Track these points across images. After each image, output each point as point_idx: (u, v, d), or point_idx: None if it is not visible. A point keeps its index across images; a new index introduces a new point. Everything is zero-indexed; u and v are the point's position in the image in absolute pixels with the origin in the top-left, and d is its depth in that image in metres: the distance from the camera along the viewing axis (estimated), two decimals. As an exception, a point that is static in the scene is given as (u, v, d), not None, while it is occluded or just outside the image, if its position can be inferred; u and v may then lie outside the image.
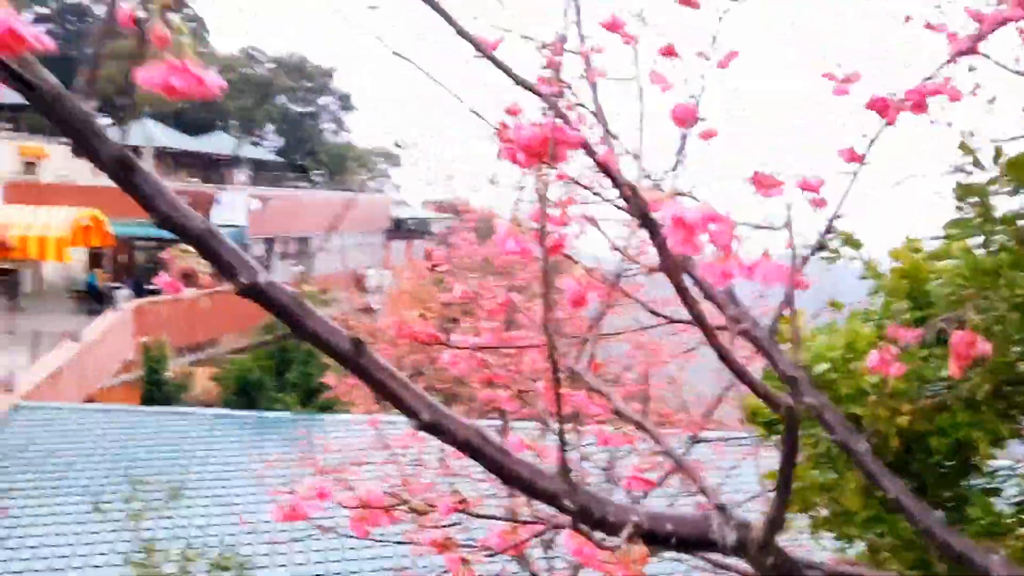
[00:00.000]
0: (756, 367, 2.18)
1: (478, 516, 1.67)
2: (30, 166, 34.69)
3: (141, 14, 0.69)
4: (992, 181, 2.19)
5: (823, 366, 2.29)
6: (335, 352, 0.86)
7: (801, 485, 2.39)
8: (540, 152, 1.26)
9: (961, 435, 2.16)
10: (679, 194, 1.93)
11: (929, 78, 1.71)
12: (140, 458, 12.97)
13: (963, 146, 2.20)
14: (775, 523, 1.20)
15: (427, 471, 6.76)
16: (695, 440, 5.20)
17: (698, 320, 0.86)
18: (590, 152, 2.00)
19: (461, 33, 2.06)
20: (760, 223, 0.81)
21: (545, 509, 1.49)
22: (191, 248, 0.85)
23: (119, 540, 9.76)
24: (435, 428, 0.86)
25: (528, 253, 1.24)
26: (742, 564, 1.98)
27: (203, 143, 40.90)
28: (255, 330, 23.48)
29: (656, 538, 1.11)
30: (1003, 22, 1.75)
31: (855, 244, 2.70)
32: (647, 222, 0.80)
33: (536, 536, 2.24)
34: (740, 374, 0.88)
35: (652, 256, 1.46)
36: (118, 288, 26.38)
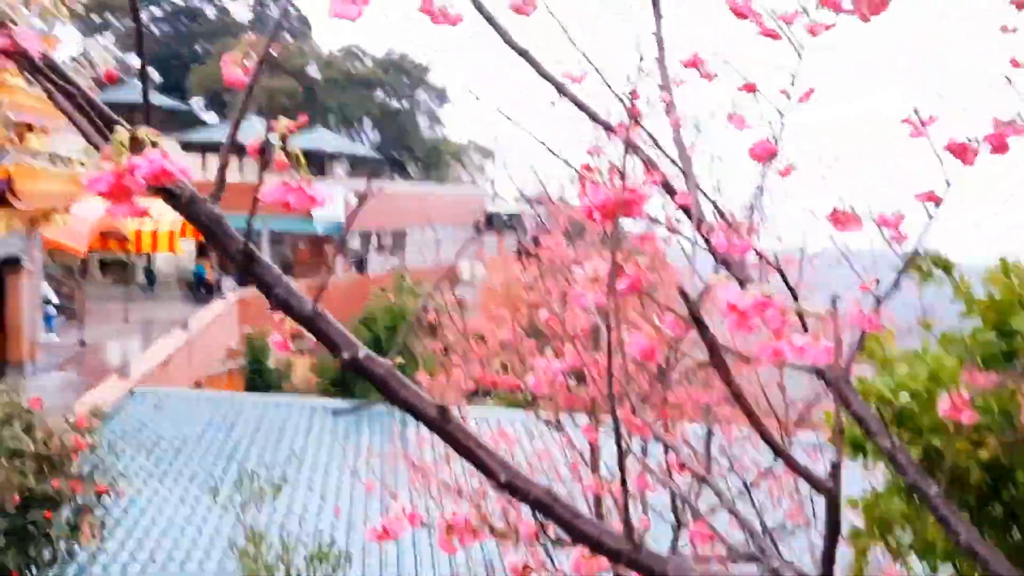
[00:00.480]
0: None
1: (555, 542, 1.77)
2: (144, 162, 36.43)
3: (266, 143, 0.82)
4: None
5: (905, 397, 2.29)
6: (424, 418, 0.97)
7: (882, 514, 2.40)
8: (613, 212, 1.34)
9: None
10: (754, 232, 1.98)
11: (1010, 122, 1.71)
12: (243, 444, 13.59)
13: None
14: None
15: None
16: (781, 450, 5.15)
17: (738, 398, 0.93)
18: (670, 191, 2.07)
19: (544, 75, 2.15)
20: (814, 309, 0.88)
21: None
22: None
23: (224, 527, 10.30)
24: (511, 487, 0.96)
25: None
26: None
27: (305, 139, 42.24)
28: (352, 321, 24.22)
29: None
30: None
31: (945, 266, 2.67)
32: (697, 322, 0.88)
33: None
34: (778, 451, 0.95)
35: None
36: (224, 279, 27.60)
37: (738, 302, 0.92)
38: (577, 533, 0.94)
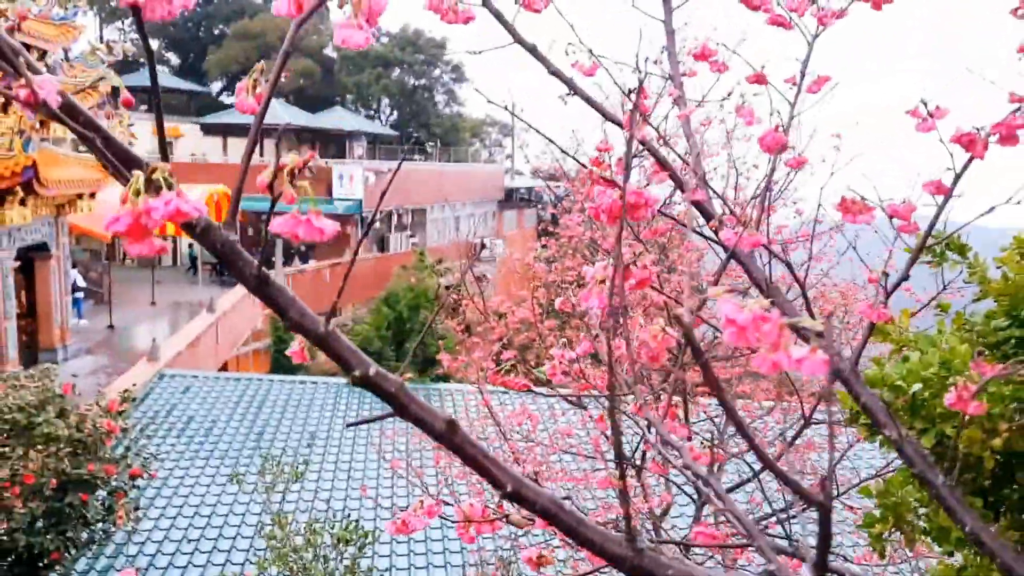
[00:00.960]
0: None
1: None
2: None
3: (275, 178, 0.86)
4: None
5: (917, 386, 2.30)
6: (432, 432, 1.02)
7: (895, 501, 2.42)
8: (619, 215, 1.37)
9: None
10: (761, 225, 2.00)
11: (1018, 109, 1.71)
12: (270, 425, 13.80)
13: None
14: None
15: (538, 448, 7.01)
16: (807, 422, 5.15)
17: (738, 425, 0.96)
18: (680, 187, 2.09)
19: (554, 73, 2.17)
20: (812, 327, 0.90)
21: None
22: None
23: (254, 507, 10.50)
24: (517, 496, 1.01)
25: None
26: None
27: (322, 119, 42.33)
28: (374, 301, 24.40)
29: None
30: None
31: (960, 249, 2.67)
32: (692, 346, 0.91)
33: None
34: (768, 464, 0.98)
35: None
36: (247, 261, 27.77)
37: (737, 317, 0.95)
38: (581, 539, 0.98)
